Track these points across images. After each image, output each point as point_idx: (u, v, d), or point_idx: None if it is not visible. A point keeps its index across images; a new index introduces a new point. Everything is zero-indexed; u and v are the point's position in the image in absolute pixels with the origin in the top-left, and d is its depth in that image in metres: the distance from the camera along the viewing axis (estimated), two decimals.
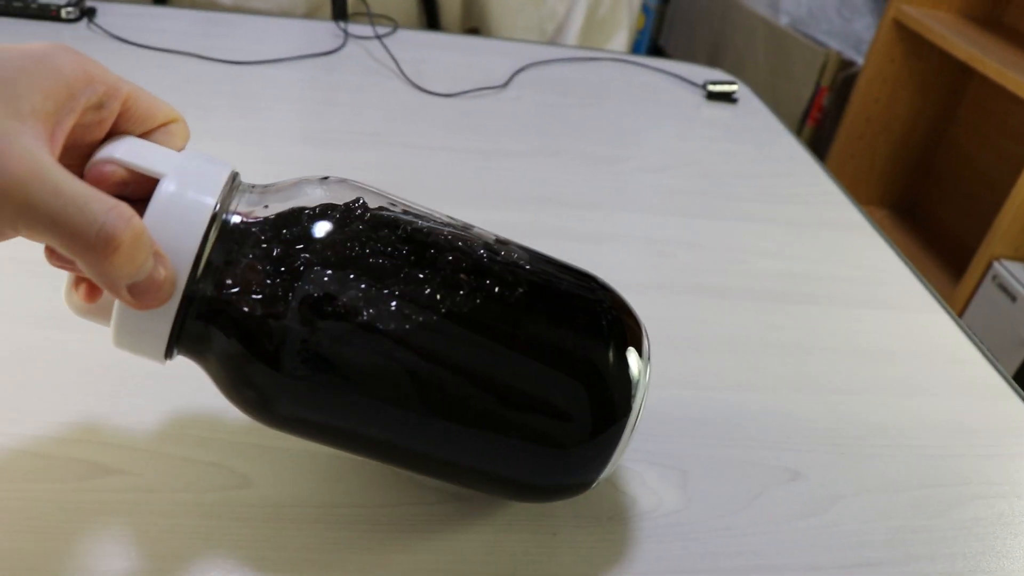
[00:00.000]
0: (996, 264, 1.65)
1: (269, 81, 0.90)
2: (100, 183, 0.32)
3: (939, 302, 0.70)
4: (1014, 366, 1.55)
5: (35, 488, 0.40)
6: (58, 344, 0.48)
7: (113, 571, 0.37)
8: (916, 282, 0.73)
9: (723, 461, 0.49)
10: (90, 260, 0.29)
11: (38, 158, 0.29)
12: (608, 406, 0.37)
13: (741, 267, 0.70)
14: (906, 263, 0.76)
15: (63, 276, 0.37)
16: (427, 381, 0.35)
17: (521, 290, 0.36)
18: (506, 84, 1.00)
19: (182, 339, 0.34)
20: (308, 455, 0.44)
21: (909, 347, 0.63)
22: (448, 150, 0.82)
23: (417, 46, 1.06)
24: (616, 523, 0.43)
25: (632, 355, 0.38)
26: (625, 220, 0.75)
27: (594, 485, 0.39)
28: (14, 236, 0.30)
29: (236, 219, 0.34)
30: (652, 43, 3.32)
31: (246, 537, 0.39)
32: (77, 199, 0.29)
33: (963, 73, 2.16)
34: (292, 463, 0.43)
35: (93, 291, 0.37)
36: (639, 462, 0.47)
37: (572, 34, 2.28)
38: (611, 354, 0.37)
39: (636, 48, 2.87)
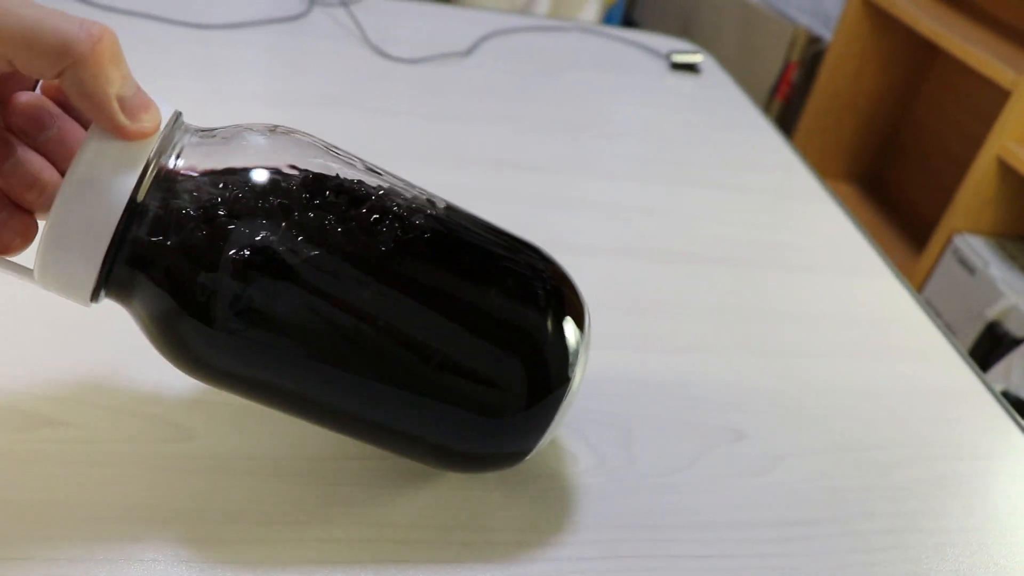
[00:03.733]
0: (956, 238, 1.67)
1: (233, 45, 0.89)
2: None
3: (892, 270, 0.71)
4: (972, 337, 1.57)
5: None
6: (2, 296, 0.48)
7: (51, 519, 0.37)
8: (870, 249, 0.74)
9: (668, 421, 0.49)
10: (77, 55, 0.29)
11: None
12: (543, 376, 0.37)
13: (696, 233, 0.70)
14: (861, 230, 0.76)
15: None
16: (359, 341, 0.34)
17: (460, 253, 0.36)
18: (469, 52, 1.00)
19: (110, 283, 0.33)
20: (252, 410, 0.43)
21: (859, 312, 0.64)
22: (408, 115, 0.81)
23: (384, 13, 1.06)
24: (557, 480, 0.44)
25: (570, 326, 0.38)
26: (583, 186, 0.75)
27: (528, 457, 0.39)
28: None
29: (175, 163, 0.33)
30: (625, 16, 3.32)
31: (186, 488, 0.39)
32: (54, 11, 0.29)
33: (928, 50, 2.18)
34: (236, 417, 0.43)
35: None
36: (583, 421, 0.48)
37: (543, 4, 2.28)
38: (548, 323, 0.37)
39: (609, 21, 2.87)
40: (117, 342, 0.46)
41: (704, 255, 0.67)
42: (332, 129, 0.75)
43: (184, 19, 0.91)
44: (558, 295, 0.38)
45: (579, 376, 0.38)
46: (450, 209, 0.38)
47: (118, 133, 0.31)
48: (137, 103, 0.32)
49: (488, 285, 0.37)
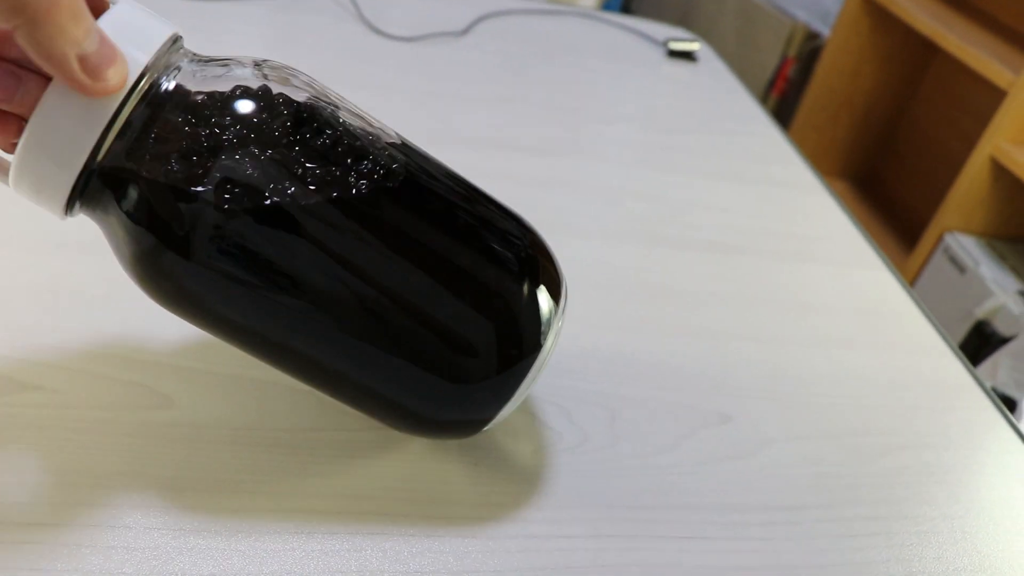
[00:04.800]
0: (947, 236, 1.67)
1: (227, 18, 0.88)
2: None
3: (884, 261, 0.71)
4: (961, 335, 1.57)
5: None
6: None
7: (26, 484, 0.36)
8: (863, 241, 0.73)
9: (654, 403, 0.49)
10: (30, 13, 0.27)
11: None
12: (513, 342, 0.36)
13: (689, 219, 0.70)
14: (853, 221, 0.76)
15: None
16: (330, 287, 0.34)
17: (440, 208, 0.36)
18: (466, 31, 0.99)
19: (87, 195, 0.32)
20: (231, 379, 0.43)
21: (850, 302, 0.64)
22: (402, 92, 0.81)
23: None
24: (539, 456, 0.43)
25: (543, 294, 0.37)
26: (576, 168, 0.74)
27: (488, 426, 0.38)
28: None
29: (166, 85, 0.32)
30: (624, 6, 3.31)
31: (163, 456, 0.39)
32: None
33: (926, 49, 2.17)
34: (215, 385, 0.43)
35: None
36: (569, 399, 0.47)
37: None
38: (522, 289, 0.37)
39: (608, 7, 2.86)
40: (99, 307, 0.45)
41: (697, 241, 0.67)
42: None
43: None
44: (534, 262, 0.38)
45: (549, 346, 0.37)
46: (439, 167, 0.38)
47: (81, 91, 0.30)
48: (100, 59, 0.29)
49: (465, 244, 0.36)
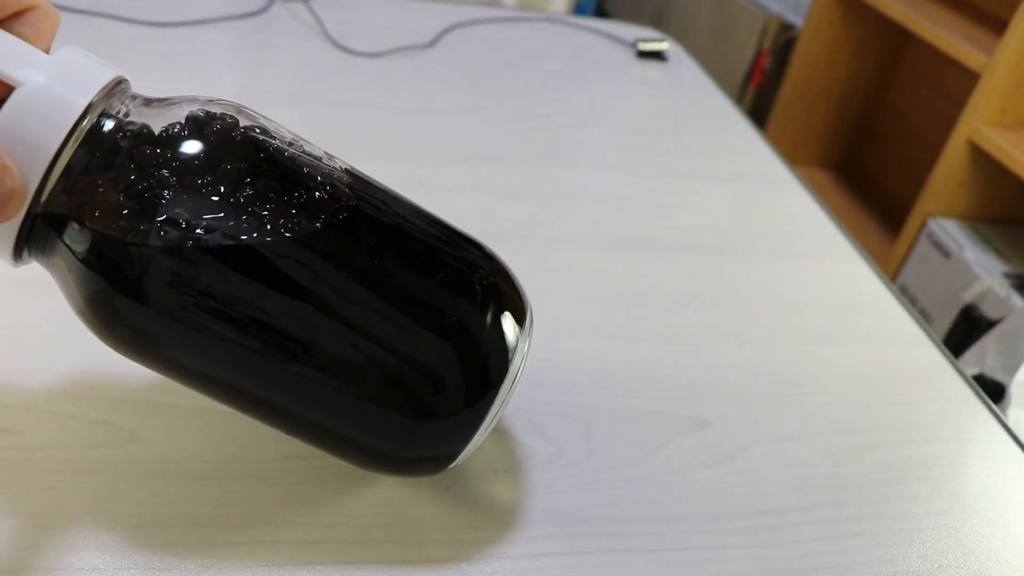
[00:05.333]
0: (931, 222, 1.67)
1: (193, 43, 0.87)
2: None
3: (860, 253, 0.70)
4: (949, 321, 1.57)
5: None
6: None
7: None
8: (838, 233, 0.73)
9: (629, 412, 0.48)
10: None
11: None
12: (477, 374, 0.35)
13: (663, 221, 0.70)
14: (829, 215, 0.76)
15: None
16: (288, 320, 0.33)
17: (397, 239, 0.35)
18: (432, 43, 0.99)
19: (32, 244, 0.32)
20: (198, 411, 0.42)
21: (827, 297, 0.63)
22: (370, 108, 0.80)
23: (344, 7, 1.04)
24: (513, 474, 0.43)
25: (508, 322, 0.36)
26: (547, 176, 0.74)
27: (458, 460, 0.37)
28: None
29: (109, 125, 0.32)
30: (598, 7, 3.31)
31: (131, 493, 0.38)
32: None
33: (900, 35, 2.18)
34: (181, 420, 0.42)
35: None
36: (541, 413, 0.47)
37: None
38: (484, 319, 0.36)
39: (581, 11, 2.86)
40: (61, 345, 0.44)
41: (669, 242, 0.66)
42: (293, 124, 0.73)
43: (144, 17, 0.89)
44: (496, 290, 0.37)
45: (515, 374, 0.36)
46: (393, 198, 0.37)
47: None
48: None
49: (422, 275, 0.35)
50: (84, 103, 0.31)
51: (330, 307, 0.33)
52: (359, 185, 0.36)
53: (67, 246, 0.32)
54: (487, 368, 0.35)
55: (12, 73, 0.30)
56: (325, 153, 0.37)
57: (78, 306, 0.33)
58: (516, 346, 0.36)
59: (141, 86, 0.71)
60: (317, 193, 0.33)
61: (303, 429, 0.37)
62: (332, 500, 0.40)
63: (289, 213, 0.32)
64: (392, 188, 0.38)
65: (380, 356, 0.34)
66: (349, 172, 0.36)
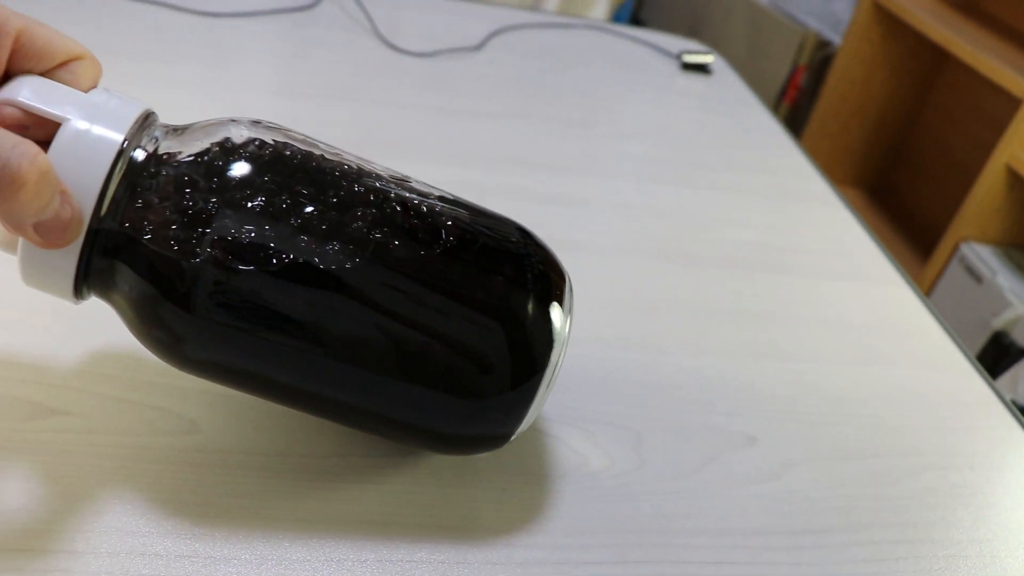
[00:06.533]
0: (963, 246, 1.66)
1: (241, 34, 0.88)
2: None
3: (903, 276, 0.70)
4: (978, 346, 1.56)
5: None
6: (4, 281, 0.47)
7: (51, 511, 0.36)
8: (881, 255, 0.73)
9: (679, 425, 0.49)
10: None
11: None
12: (526, 359, 0.36)
13: (707, 235, 0.70)
14: (872, 237, 0.76)
15: None
16: (343, 327, 0.34)
17: (445, 236, 0.36)
18: (480, 46, 0.99)
19: (91, 277, 0.34)
20: (256, 403, 0.43)
21: (871, 319, 0.63)
22: (417, 108, 0.81)
23: (394, 6, 1.05)
24: (566, 481, 0.43)
25: (555, 309, 0.37)
26: (593, 184, 0.74)
27: (512, 438, 0.39)
28: None
29: (144, 155, 0.33)
30: (633, 16, 3.31)
31: (191, 482, 0.39)
32: None
33: (938, 56, 2.17)
34: (240, 410, 0.43)
35: None
36: (593, 422, 0.47)
37: (552, 1, 2.27)
38: (533, 306, 0.37)
39: (618, 19, 2.86)
40: (124, 332, 0.45)
41: (714, 257, 0.67)
42: (340, 121, 0.74)
43: (194, 7, 0.90)
44: (544, 278, 0.38)
45: (559, 357, 0.37)
46: (442, 193, 0.38)
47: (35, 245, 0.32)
48: (55, 224, 0.31)
49: (478, 267, 0.36)
50: (119, 140, 0.32)
51: (387, 310, 0.35)
52: (409, 189, 0.37)
53: (122, 278, 0.33)
54: (534, 349, 0.37)
55: (54, 111, 0.32)
56: (368, 161, 0.38)
57: (140, 331, 0.35)
58: (559, 327, 0.37)
59: (188, 75, 0.73)
60: (369, 206, 0.35)
61: (363, 420, 0.38)
62: (388, 497, 0.40)
63: (337, 221, 0.34)
64: (436, 186, 0.39)
65: (431, 345, 0.35)
66: (398, 176, 0.38)
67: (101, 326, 0.45)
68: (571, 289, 0.39)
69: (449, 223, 0.36)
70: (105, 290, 0.35)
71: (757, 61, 2.56)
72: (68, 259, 0.32)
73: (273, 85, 0.80)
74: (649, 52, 1.11)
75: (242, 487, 0.39)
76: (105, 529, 0.36)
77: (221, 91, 0.75)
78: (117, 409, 0.41)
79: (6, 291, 0.46)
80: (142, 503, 0.37)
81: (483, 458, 0.43)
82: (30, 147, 0.29)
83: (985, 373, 0.60)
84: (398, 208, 0.35)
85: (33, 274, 0.33)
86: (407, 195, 0.36)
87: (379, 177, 0.37)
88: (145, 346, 0.36)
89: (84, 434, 0.40)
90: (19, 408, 0.40)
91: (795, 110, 2.45)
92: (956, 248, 1.68)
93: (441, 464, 0.42)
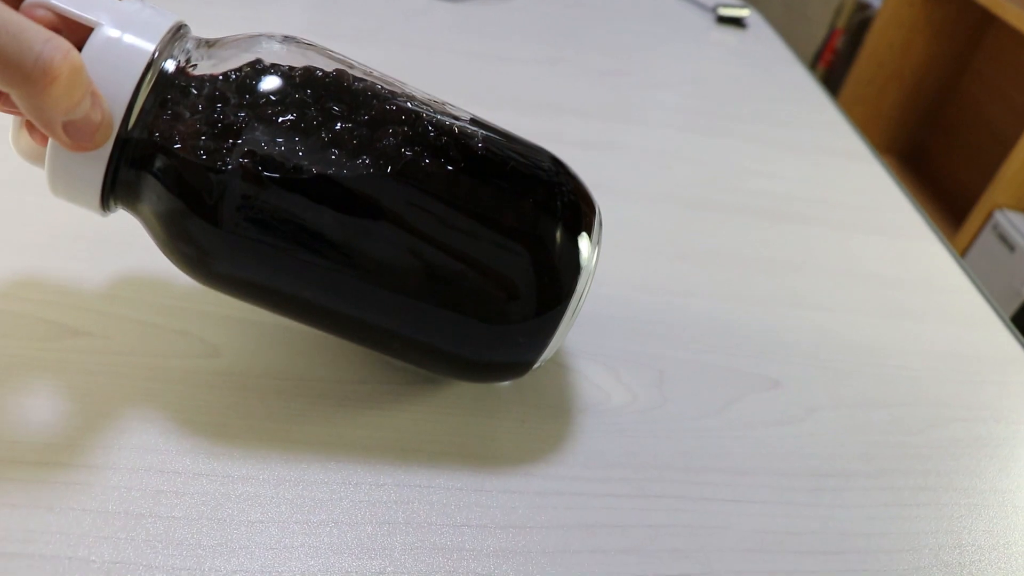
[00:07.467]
0: (997, 213, 1.64)
1: None
2: None
3: (935, 232, 0.69)
4: (1009, 313, 1.54)
5: None
6: (29, 205, 0.47)
7: (73, 427, 0.36)
8: (913, 211, 0.72)
9: (703, 365, 0.48)
10: (26, 92, 0.28)
11: None
12: (552, 285, 0.36)
13: (739, 184, 0.69)
14: (906, 194, 0.75)
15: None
16: (369, 245, 0.34)
17: (476, 157, 0.35)
18: None
19: (118, 188, 0.33)
20: (279, 328, 0.43)
21: (900, 273, 0.62)
22: (449, 52, 0.80)
23: None
24: (587, 415, 0.43)
25: (583, 239, 0.37)
26: (624, 131, 0.73)
27: (535, 366, 0.38)
28: None
29: (175, 66, 0.33)
30: None
31: (211, 404, 0.39)
32: (11, 26, 0.27)
33: (982, 21, 2.13)
34: (262, 335, 0.43)
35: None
36: (616, 359, 0.47)
37: None
38: (561, 233, 0.36)
39: None
40: (147, 256, 0.45)
41: (745, 206, 0.66)
42: (370, 62, 0.74)
43: None
44: (575, 207, 0.37)
45: (586, 286, 0.37)
46: (479, 121, 0.38)
47: (64, 148, 0.31)
48: (86, 125, 0.30)
49: (507, 191, 0.36)
50: (150, 50, 0.32)
51: (415, 232, 0.34)
52: (440, 111, 0.36)
53: (150, 188, 0.33)
54: (560, 276, 0.36)
55: (86, 15, 0.31)
56: (402, 82, 0.37)
57: (167, 246, 0.35)
58: (587, 257, 0.37)
59: (219, 14, 0.72)
60: (397, 119, 0.34)
61: (386, 342, 0.38)
62: (409, 425, 0.40)
63: (368, 138, 0.33)
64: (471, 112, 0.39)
65: (458, 267, 0.35)
66: (429, 98, 0.37)
67: (125, 250, 0.45)
68: (600, 222, 0.39)
69: (480, 145, 0.36)
70: (132, 203, 0.34)
71: (793, 24, 2.53)
72: (96, 168, 0.32)
73: (305, 27, 0.79)
74: (684, 5, 1.10)
75: (261, 410, 0.39)
76: (125, 446, 0.36)
77: (250, 29, 0.74)
78: (140, 332, 0.41)
79: (32, 214, 0.47)
80: (162, 422, 0.37)
81: (505, 390, 0.43)
82: (62, 42, 0.28)
83: (1016, 331, 0.59)
84: (430, 128, 0.35)
85: (61, 183, 0.33)
86: (439, 116, 0.36)
87: (412, 98, 0.36)
88: (171, 261, 0.35)
89: (107, 355, 0.40)
90: (44, 328, 0.40)
91: (830, 74, 2.42)
92: (989, 216, 1.65)
93: (462, 394, 0.42)
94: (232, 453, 0.37)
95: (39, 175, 0.34)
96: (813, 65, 2.43)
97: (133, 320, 0.42)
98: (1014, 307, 1.53)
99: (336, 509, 0.36)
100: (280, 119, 0.32)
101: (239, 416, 0.38)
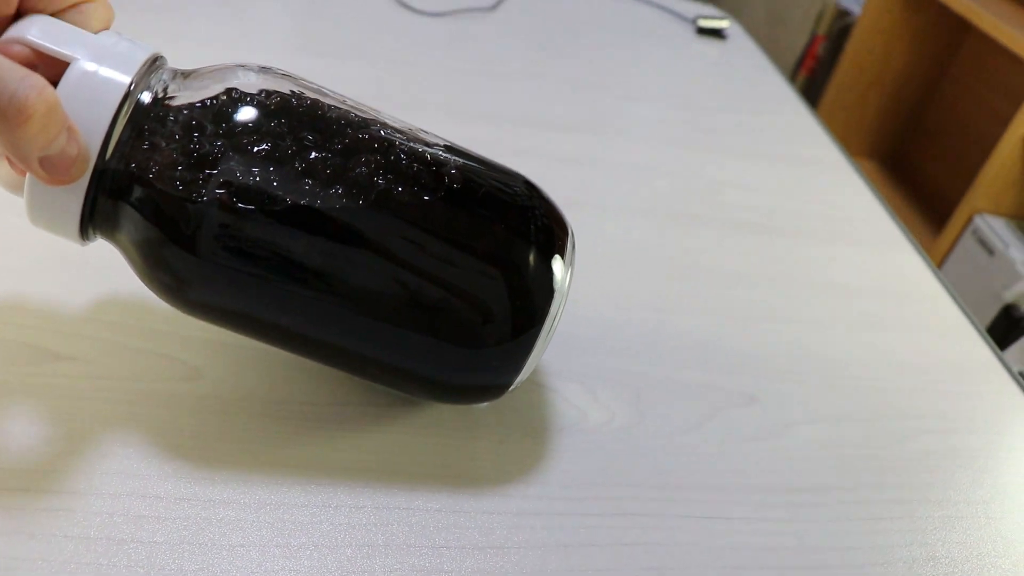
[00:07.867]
0: (977, 218, 1.65)
1: None
2: None
3: (912, 244, 0.70)
4: (989, 319, 1.56)
5: None
6: (12, 229, 0.47)
7: (55, 452, 0.36)
8: (890, 222, 0.73)
9: (679, 382, 0.49)
10: (2, 129, 0.29)
11: None
12: (526, 308, 0.36)
13: (717, 198, 0.70)
14: (883, 205, 0.76)
15: None
16: (345, 272, 0.34)
17: (449, 184, 0.36)
18: (495, 7, 0.99)
19: (96, 218, 0.34)
20: (260, 352, 0.43)
21: (877, 284, 0.63)
22: (430, 68, 0.80)
23: None
24: (565, 435, 0.43)
25: (557, 261, 0.37)
26: (604, 145, 0.74)
27: (511, 388, 0.39)
28: None
29: (152, 97, 0.33)
30: None
31: (193, 427, 0.39)
32: None
33: (959, 28, 2.15)
34: (243, 359, 0.43)
35: None
36: (593, 378, 0.47)
37: None
38: (535, 257, 0.37)
39: None
40: (128, 280, 0.45)
41: (722, 219, 0.67)
42: (353, 79, 0.74)
43: None
44: (548, 231, 0.38)
45: (559, 308, 0.37)
46: (449, 145, 0.38)
47: (40, 181, 0.32)
48: (61, 159, 0.31)
49: (480, 217, 0.36)
50: (126, 82, 0.32)
51: (386, 254, 0.35)
52: (420, 143, 0.37)
53: (126, 218, 0.34)
54: (534, 299, 0.37)
55: (63, 50, 0.32)
56: (373, 109, 0.38)
57: (146, 274, 0.35)
58: (560, 279, 0.37)
59: (202, 31, 0.73)
60: (373, 152, 0.35)
61: (361, 366, 0.38)
62: (389, 446, 0.40)
63: (340, 166, 0.34)
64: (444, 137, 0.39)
65: (433, 292, 0.35)
66: (402, 126, 0.38)
67: (108, 274, 0.46)
68: (574, 243, 0.39)
69: (454, 172, 0.36)
70: (111, 232, 0.35)
71: (775, 30, 2.54)
72: (74, 199, 0.33)
73: (286, 43, 0.80)
74: (664, 16, 1.11)
75: (243, 433, 0.39)
76: (107, 471, 0.36)
77: (232, 48, 0.75)
78: (122, 356, 0.42)
79: (14, 238, 0.47)
80: (144, 447, 0.38)
81: (482, 411, 0.43)
82: (38, 80, 0.29)
83: (990, 340, 0.60)
84: (403, 156, 0.35)
85: (40, 214, 0.34)
86: (413, 144, 0.36)
87: (385, 126, 0.37)
88: (150, 289, 0.36)
89: (89, 379, 0.40)
90: (25, 353, 0.41)
91: (812, 80, 2.43)
92: (969, 220, 1.67)
93: (440, 415, 0.43)
94: (213, 477, 0.37)
95: (20, 200, 0.34)
96: (795, 72, 2.44)
97: (115, 344, 0.42)
98: (994, 311, 1.54)
99: (316, 532, 0.36)
100: (255, 148, 0.33)
101: (220, 440, 0.39)
